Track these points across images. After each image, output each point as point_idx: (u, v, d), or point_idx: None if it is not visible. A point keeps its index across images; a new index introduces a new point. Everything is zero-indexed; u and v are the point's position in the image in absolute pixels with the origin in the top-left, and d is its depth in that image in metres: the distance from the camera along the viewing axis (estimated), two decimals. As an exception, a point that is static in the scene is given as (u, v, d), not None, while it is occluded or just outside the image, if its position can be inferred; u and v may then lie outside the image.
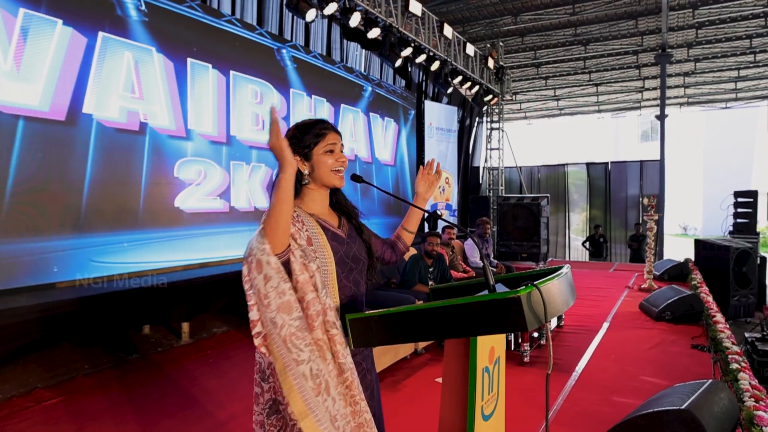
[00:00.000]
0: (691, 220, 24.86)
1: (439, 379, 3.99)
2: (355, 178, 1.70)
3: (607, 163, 15.20)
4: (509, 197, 11.61)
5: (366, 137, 8.85)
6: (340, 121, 8.12)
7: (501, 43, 11.66)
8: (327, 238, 1.58)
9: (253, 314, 1.42)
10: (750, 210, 11.55)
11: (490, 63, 10.49)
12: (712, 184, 23.11)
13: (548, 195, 11.70)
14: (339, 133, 1.68)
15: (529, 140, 19.92)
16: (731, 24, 10.78)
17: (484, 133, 14.53)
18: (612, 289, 8.58)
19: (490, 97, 10.88)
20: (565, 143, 25.15)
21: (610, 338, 5.61)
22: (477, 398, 1.39)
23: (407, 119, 10.10)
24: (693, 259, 10.56)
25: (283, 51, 6.98)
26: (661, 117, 11.60)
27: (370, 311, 1.36)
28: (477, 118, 13.98)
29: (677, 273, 9.31)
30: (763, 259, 10.08)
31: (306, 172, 1.65)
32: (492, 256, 7.38)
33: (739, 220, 11.67)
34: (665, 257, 12.07)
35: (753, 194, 11.54)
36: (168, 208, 5.36)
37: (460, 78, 9.26)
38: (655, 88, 14.65)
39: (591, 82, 14.29)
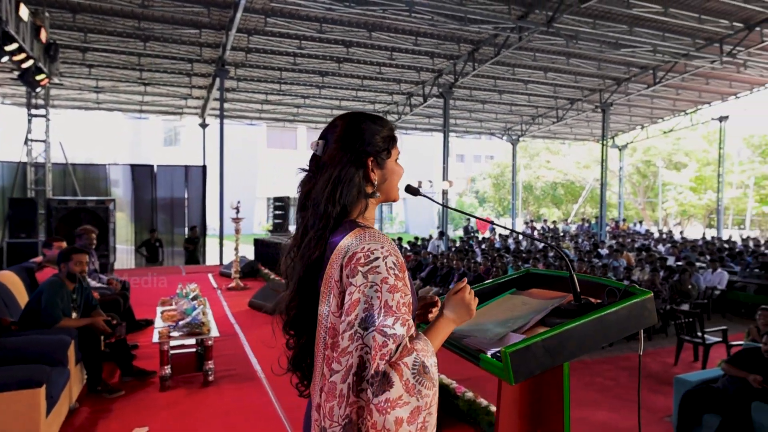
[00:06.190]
0: (211, 220, 27.39)
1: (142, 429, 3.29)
2: (410, 189, 1.40)
3: (152, 166, 14.93)
4: (66, 200, 9.76)
5: None
6: None
7: (47, 14, 9.60)
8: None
9: None
10: (283, 212, 14.05)
11: (43, 36, 8.49)
12: (227, 189, 26.24)
13: (114, 198, 10.52)
14: None
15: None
16: (270, 55, 12.76)
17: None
18: (204, 292, 8.69)
19: (43, 76, 8.78)
20: (80, 139, 22.94)
21: (253, 338, 5.84)
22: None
23: None
24: (254, 256, 11.96)
25: None
26: (221, 126, 12.51)
27: (528, 337, 1.25)
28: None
29: (249, 270, 10.33)
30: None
31: (376, 182, 1.26)
32: (98, 270, 6.12)
33: (276, 221, 13.99)
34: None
35: (286, 200, 14.09)
36: None
37: (16, 46, 7.10)
38: (199, 98, 15.48)
39: (141, 81, 13.68)
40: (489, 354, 1.34)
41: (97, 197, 10.82)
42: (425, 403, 1.07)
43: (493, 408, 3.40)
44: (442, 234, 14.64)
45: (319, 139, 1.32)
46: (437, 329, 1.24)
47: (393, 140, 1.31)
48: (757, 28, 10.95)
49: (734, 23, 10.91)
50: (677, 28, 11.15)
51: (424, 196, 1.48)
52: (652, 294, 1.39)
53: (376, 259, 1.13)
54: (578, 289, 1.47)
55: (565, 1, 9.50)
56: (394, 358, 1.07)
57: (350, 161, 1.24)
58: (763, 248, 12.97)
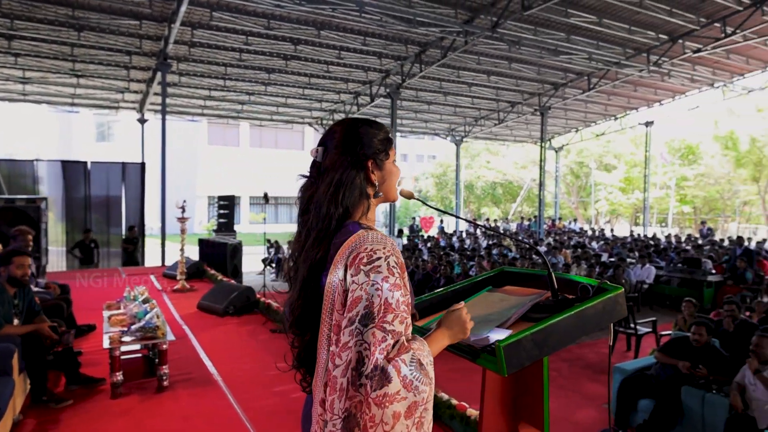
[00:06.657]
0: (149, 220, 26.23)
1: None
2: (405, 194, 1.46)
3: (86, 163, 14.14)
4: (-9, 198, 9.09)
5: None
6: None
7: (-32, -2, 8.91)
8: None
9: None
10: (229, 211, 13.71)
11: (-35, 21, 7.87)
12: (166, 187, 25.22)
13: (47, 197, 9.89)
14: None
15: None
16: (215, 50, 12.40)
17: None
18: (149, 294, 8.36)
19: (-35, 65, 8.14)
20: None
21: (205, 341, 5.70)
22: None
23: None
24: (198, 257, 11.59)
25: None
26: (163, 122, 12.05)
27: (519, 332, 1.35)
28: None
29: (194, 271, 10.02)
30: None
31: (377, 183, 1.32)
32: (35, 274, 5.75)
33: (221, 220, 13.63)
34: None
35: (232, 198, 13.75)
36: None
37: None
38: (137, 92, 14.81)
39: (73, 72, 12.92)
40: (479, 348, 1.43)
41: (26, 195, 10.13)
42: (422, 399, 1.13)
43: (455, 401, 3.54)
44: (400, 232, 14.60)
45: (318, 145, 1.36)
46: (433, 339, 1.30)
47: (390, 142, 1.37)
48: (680, 41, 11.82)
49: (660, 35, 11.73)
50: (610, 38, 11.85)
51: (418, 200, 1.55)
52: (623, 289, 1.53)
53: (378, 258, 1.18)
54: (556, 287, 1.60)
55: (509, 7, 9.87)
56: (392, 355, 1.12)
57: (351, 164, 1.29)
58: (684, 245, 14.01)
